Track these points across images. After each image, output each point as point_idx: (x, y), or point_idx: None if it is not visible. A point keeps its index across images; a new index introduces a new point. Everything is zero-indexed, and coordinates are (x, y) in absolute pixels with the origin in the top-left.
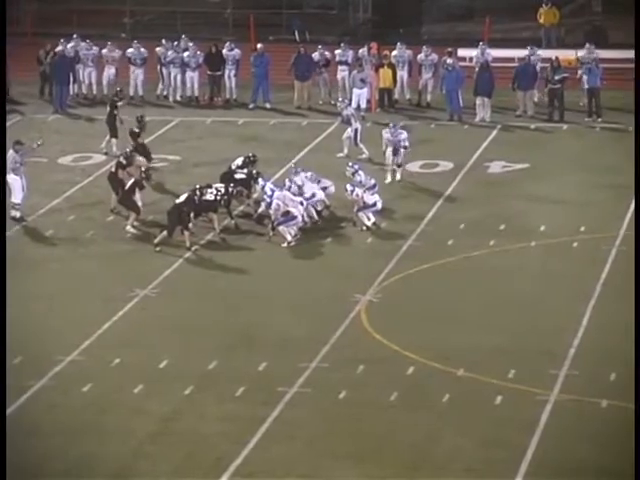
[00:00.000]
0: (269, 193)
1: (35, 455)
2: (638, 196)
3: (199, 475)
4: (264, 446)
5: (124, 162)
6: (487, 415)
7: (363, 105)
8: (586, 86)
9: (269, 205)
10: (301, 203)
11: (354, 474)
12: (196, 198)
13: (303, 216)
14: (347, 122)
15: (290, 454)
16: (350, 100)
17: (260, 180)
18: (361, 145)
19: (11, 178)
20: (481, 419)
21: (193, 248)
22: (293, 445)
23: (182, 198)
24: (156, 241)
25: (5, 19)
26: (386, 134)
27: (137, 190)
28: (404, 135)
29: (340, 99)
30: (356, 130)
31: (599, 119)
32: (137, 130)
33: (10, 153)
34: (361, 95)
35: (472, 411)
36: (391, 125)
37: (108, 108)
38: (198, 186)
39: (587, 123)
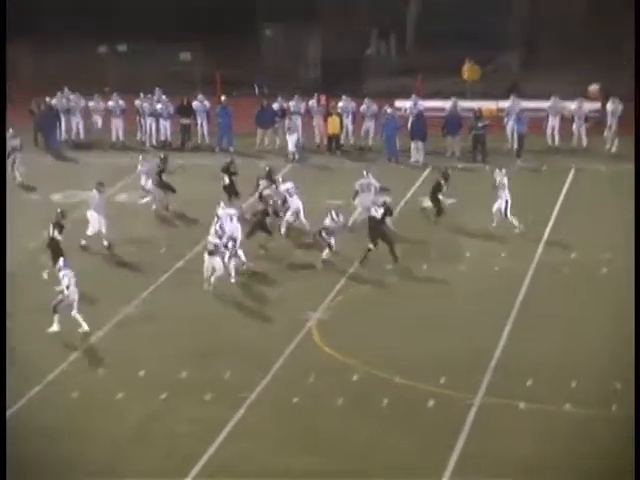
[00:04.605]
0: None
1: (21, 457)
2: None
3: (173, 473)
4: (229, 443)
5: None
6: (421, 418)
7: (291, 148)
8: (515, 132)
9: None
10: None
11: (307, 467)
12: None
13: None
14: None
15: (252, 450)
16: None
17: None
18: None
19: (89, 214)
20: (415, 422)
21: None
22: (254, 442)
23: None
24: None
25: (5, 19)
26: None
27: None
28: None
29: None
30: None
31: (518, 160)
32: None
33: (93, 193)
34: (290, 139)
35: (408, 414)
36: None
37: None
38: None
39: (511, 163)
